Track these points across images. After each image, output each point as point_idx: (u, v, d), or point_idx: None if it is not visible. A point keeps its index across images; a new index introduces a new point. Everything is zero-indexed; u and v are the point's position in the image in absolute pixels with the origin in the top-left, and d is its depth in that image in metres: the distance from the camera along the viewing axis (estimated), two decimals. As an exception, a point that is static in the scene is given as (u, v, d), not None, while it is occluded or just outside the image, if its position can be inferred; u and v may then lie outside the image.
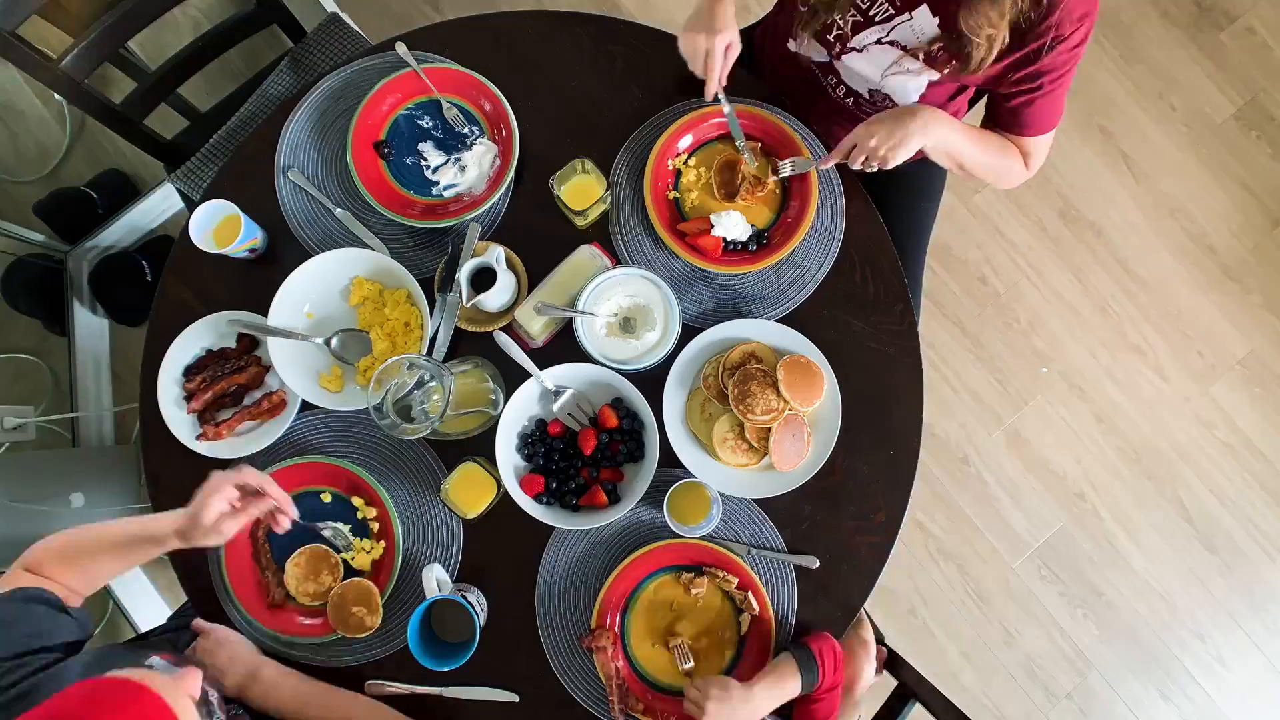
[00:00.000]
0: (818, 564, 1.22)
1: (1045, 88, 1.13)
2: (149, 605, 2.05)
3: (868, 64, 1.22)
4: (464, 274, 1.17)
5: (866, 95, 1.29)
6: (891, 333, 1.27)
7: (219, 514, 1.02)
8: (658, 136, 1.28)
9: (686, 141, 1.29)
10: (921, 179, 1.50)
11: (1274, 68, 2.26)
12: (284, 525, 1.09)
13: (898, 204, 1.44)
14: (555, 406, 1.21)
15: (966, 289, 2.21)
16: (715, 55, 1.17)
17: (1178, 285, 2.21)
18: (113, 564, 1.08)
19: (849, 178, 1.30)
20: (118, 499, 2.00)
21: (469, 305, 1.18)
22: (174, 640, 1.20)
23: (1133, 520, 2.15)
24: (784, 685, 1.12)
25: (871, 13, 1.16)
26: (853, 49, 1.21)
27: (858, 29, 1.19)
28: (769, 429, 1.18)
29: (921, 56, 1.17)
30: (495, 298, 1.19)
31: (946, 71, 1.16)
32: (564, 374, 1.21)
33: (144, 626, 1.64)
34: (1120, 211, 2.23)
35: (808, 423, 1.21)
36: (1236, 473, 2.16)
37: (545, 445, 1.21)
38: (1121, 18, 2.27)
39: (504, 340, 1.19)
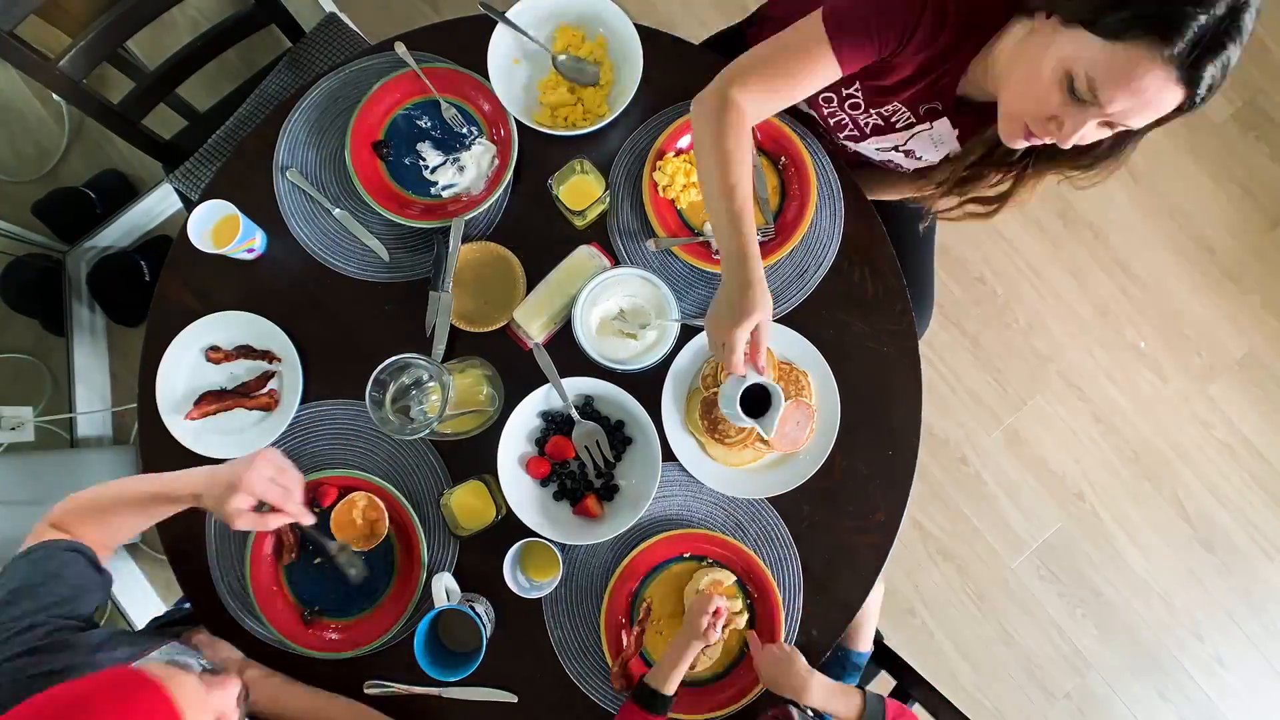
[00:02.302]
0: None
1: None
2: (148, 605, 2.04)
3: (877, 153, 1.24)
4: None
5: (874, 157, 1.29)
6: (890, 333, 1.27)
7: (247, 506, 1.00)
8: (657, 136, 1.28)
9: (686, 141, 1.29)
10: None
11: (1272, 69, 2.26)
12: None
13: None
14: (575, 436, 1.21)
15: (965, 289, 2.21)
16: (738, 345, 1.01)
17: (1176, 285, 2.21)
18: (134, 520, 1.08)
19: (847, 179, 1.30)
20: (116, 499, 2.00)
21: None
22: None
23: (1131, 520, 2.15)
24: (845, 696, 1.12)
25: (893, 120, 1.15)
26: (863, 145, 1.23)
27: (877, 132, 1.18)
28: None
29: (937, 159, 1.19)
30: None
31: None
32: (583, 387, 1.22)
33: (140, 624, 1.64)
34: (1119, 212, 2.23)
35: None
36: (1235, 473, 2.17)
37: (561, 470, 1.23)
38: (1120, 18, 2.27)
39: (544, 361, 1.20)
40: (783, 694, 1.13)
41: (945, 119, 1.11)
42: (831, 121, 1.22)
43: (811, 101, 1.20)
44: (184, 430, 1.24)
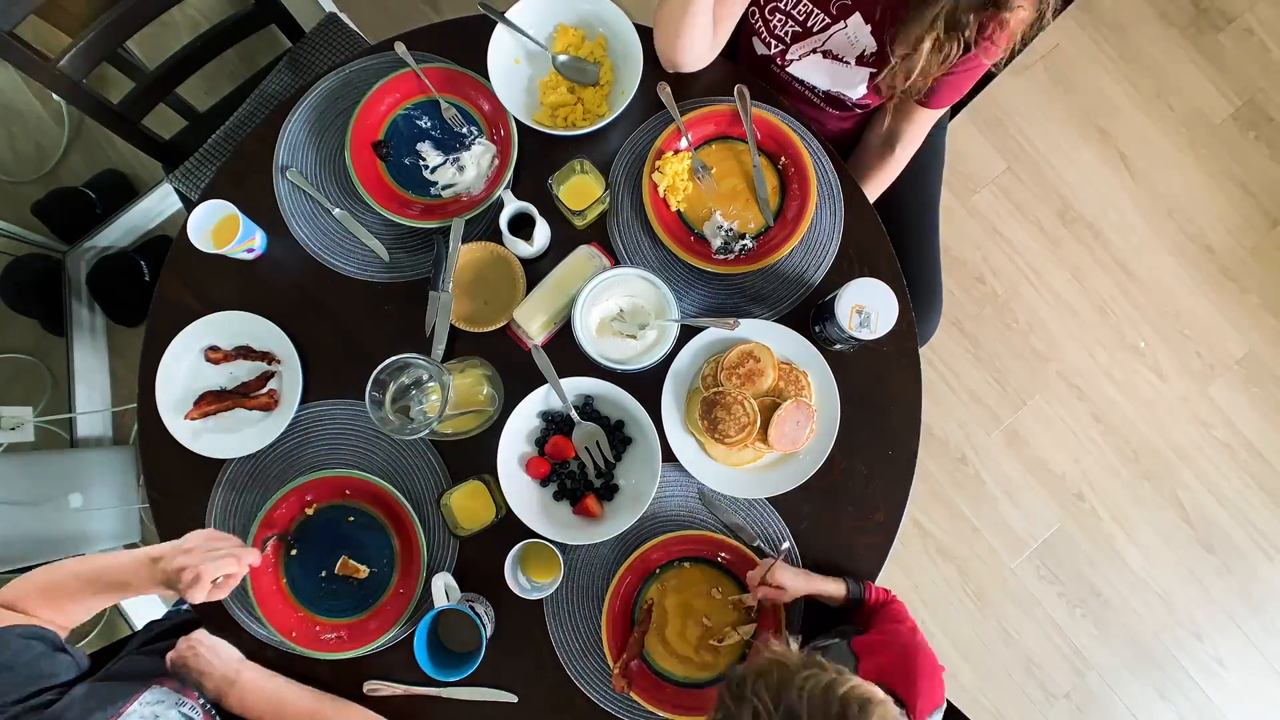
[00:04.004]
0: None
1: (962, 67, 1.15)
2: (147, 604, 2.04)
3: (811, 70, 1.28)
4: (504, 218, 1.20)
5: (822, 94, 1.33)
6: (890, 332, 1.26)
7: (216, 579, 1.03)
8: (657, 136, 1.28)
9: (685, 141, 1.29)
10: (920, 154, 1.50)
11: (1272, 68, 2.26)
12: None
13: (898, 191, 1.45)
14: (575, 436, 1.21)
15: (965, 289, 2.21)
16: None
17: (1176, 285, 2.21)
18: (92, 603, 1.06)
19: (847, 178, 1.30)
20: (116, 499, 2.00)
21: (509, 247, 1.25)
22: (162, 650, 1.19)
23: (1131, 520, 2.16)
24: (834, 582, 1.17)
25: (809, 24, 1.21)
26: (791, 59, 1.28)
27: (796, 39, 1.24)
28: (773, 409, 1.19)
29: (854, 60, 1.22)
30: (537, 239, 1.22)
31: (883, 72, 1.20)
32: (583, 387, 1.22)
33: (140, 625, 1.64)
34: (1119, 212, 2.23)
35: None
36: (1234, 473, 2.17)
37: (561, 470, 1.23)
38: (1119, 18, 2.27)
39: (543, 363, 1.19)
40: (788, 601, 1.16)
41: (857, 13, 1.17)
42: (764, 36, 1.28)
43: (745, 22, 1.27)
44: (184, 430, 1.24)
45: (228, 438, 1.24)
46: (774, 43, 1.28)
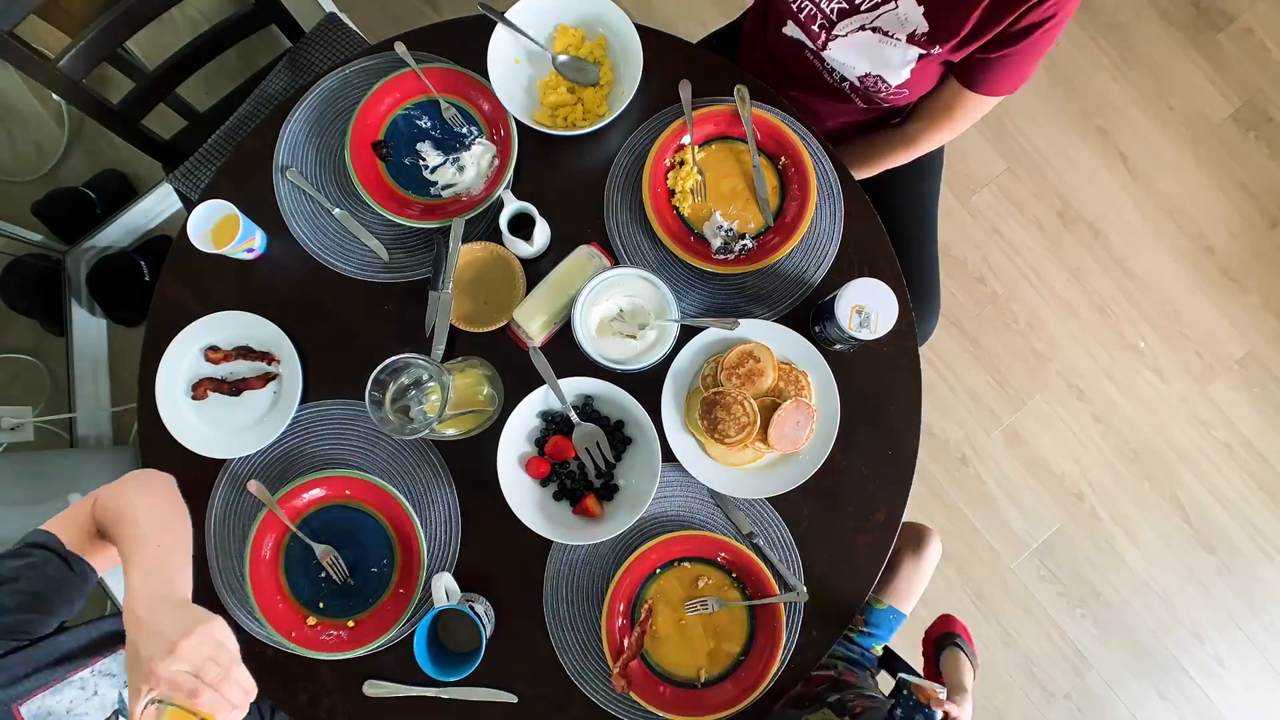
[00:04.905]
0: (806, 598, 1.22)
1: (1021, 46, 1.13)
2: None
3: (853, 51, 1.23)
4: (504, 218, 1.20)
5: (858, 81, 1.28)
6: (890, 332, 1.26)
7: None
8: (657, 136, 1.28)
9: (686, 141, 1.29)
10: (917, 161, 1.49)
11: (1272, 68, 2.26)
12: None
13: (898, 190, 1.44)
14: (575, 437, 1.21)
15: (965, 289, 2.21)
16: None
17: (1176, 285, 2.21)
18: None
19: (847, 178, 1.30)
20: (116, 499, 2.00)
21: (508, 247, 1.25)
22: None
23: (1131, 520, 2.16)
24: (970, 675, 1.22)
25: (858, 1, 1.17)
26: (837, 35, 1.22)
27: (843, 15, 1.20)
28: (772, 409, 1.19)
29: (905, 38, 1.18)
30: (537, 239, 1.22)
31: (934, 50, 1.16)
32: (583, 387, 1.21)
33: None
34: (1118, 212, 2.23)
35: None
36: (1235, 473, 2.17)
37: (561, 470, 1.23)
38: (1120, 18, 2.27)
39: (542, 365, 1.19)
40: None
41: None
42: (803, 16, 1.23)
43: (784, 5, 1.24)
44: (184, 430, 1.24)
45: (228, 438, 1.24)
46: (819, 18, 1.22)
